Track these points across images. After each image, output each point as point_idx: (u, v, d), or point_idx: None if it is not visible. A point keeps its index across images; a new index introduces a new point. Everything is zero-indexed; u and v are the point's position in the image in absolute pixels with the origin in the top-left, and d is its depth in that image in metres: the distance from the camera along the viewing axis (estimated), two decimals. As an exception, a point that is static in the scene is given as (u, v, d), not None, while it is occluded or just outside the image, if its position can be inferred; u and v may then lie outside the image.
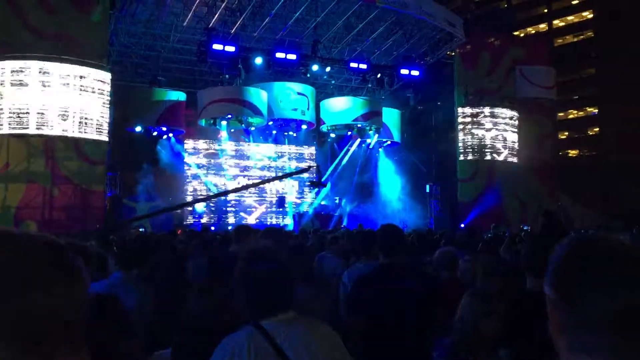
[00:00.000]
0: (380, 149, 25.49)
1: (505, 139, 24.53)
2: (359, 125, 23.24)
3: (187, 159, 23.06)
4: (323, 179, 22.80)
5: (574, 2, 51.82)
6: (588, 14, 50.99)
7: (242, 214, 23.27)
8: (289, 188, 24.47)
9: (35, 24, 16.15)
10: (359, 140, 24.16)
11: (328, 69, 21.64)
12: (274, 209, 23.83)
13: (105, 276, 4.27)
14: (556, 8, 52.88)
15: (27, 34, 16.15)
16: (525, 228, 17.68)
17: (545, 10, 54.00)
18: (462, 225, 20.27)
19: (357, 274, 4.08)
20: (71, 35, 16.50)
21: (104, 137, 17.54)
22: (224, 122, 21.07)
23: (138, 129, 20.99)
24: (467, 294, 2.88)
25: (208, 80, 21.97)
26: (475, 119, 24.02)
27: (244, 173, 23.99)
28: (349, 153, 24.50)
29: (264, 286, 2.20)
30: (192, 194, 22.91)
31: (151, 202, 19.88)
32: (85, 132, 17.09)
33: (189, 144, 23.36)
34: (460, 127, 23.81)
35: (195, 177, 23.34)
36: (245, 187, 20.88)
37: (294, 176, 22.75)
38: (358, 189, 24.33)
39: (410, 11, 19.92)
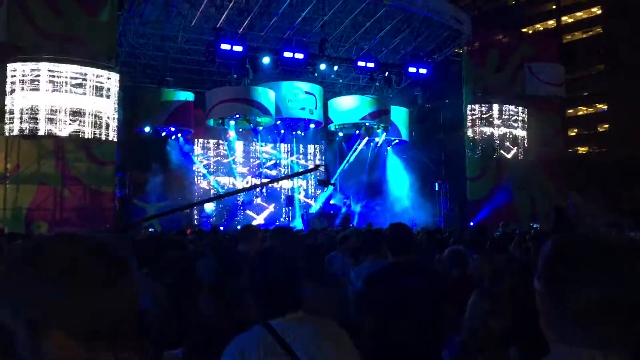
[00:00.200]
0: (388, 148, 25.45)
1: (514, 137, 24.41)
2: (367, 124, 23.20)
3: (196, 159, 23.13)
4: (333, 180, 22.82)
5: (582, -1, 51.52)
6: (597, 10, 50.62)
7: (250, 213, 23.31)
8: (298, 187, 24.49)
9: (43, 25, 16.25)
10: (367, 138, 24.13)
11: (336, 67, 21.64)
12: (282, 209, 23.86)
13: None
14: (565, 4, 52.52)
15: (35, 35, 16.26)
16: (535, 226, 17.60)
17: (554, 7, 53.66)
18: (472, 224, 20.20)
19: (365, 273, 4.06)
20: (79, 37, 16.59)
21: (113, 138, 17.62)
22: (232, 122, 21.10)
23: (147, 129, 21.09)
24: (476, 293, 2.88)
25: (216, 80, 22.02)
26: (483, 117, 23.91)
27: (252, 173, 24.04)
28: (357, 152, 24.47)
29: (273, 286, 2.20)
30: (200, 194, 22.99)
31: (160, 202, 19.95)
32: (94, 133, 17.18)
33: (198, 144, 23.44)
34: (469, 124, 23.71)
35: (204, 177, 23.41)
36: (254, 187, 20.93)
37: (302, 175, 22.75)
38: (367, 187, 24.29)
39: (417, 9, 19.88)
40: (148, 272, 4.28)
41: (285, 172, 23.90)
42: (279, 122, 22.51)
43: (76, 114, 16.88)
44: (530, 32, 43.69)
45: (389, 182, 25.14)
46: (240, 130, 22.23)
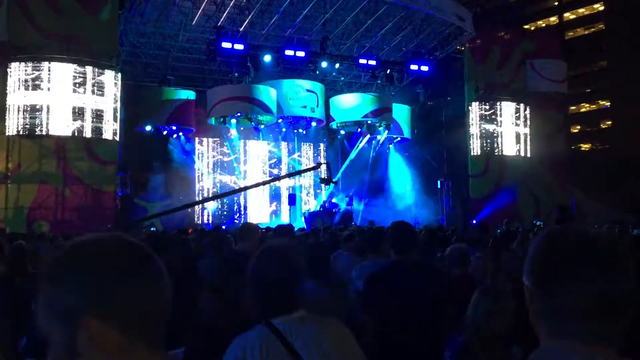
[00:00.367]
0: (390, 145, 25.43)
1: (516, 134, 24.37)
2: (369, 122, 23.18)
3: (197, 157, 23.13)
4: (335, 178, 22.76)
5: (584, -5, 51.38)
6: (599, 6, 50.52)
7: (252, 212, 23.31)
8: (300, 186, 24.48)
9: (44, 25, 16.29)
10: (368, 136, 24.11)
11: (337, 65, 21.60)
12: (285, 207, 23.85)
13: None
14: (567, 1, 52.43)
15: (36, 35, 16.30)
16: (538, 223, 17.55)
17: (556, 3, 53.57)
18: (474, 222, 20.16)
19: (366, 272, 4.06)
20: (80, 36, 16.61)
21: (115, 137, 17.64)
22: (233, 121, 21.09)
23: (148, 128, 21.10)
24: (478, 291, 2.87)
25: (217, 78, 22.01)
26: (486, 114, 23.87)
27: (254, 171, 24.03)
28: (359, 150, 24.45)
29: (275, 285, 2.20)
30: (202, 192, 22.99)
31: (162, 201, 19.95)
32: (95, 133, 17.20)
33: (199, 142, 23.44)
34: (471, 122, 23.68)
35: (206, 175, 23.41)
36: (255, 185, 20.89)
37: (304, 174, 22.73)
38: (369, 185, 24.28)
39: (419, 6, 19.84)
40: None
41: (287, 171, 23.88)
42: (280, 121, 22.51)
43: (77, 113, 16.91)
44: (532, 28, 43.56)
45: (391, 180, 25.14)
46: (242, 128, 22.21)
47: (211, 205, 22.33)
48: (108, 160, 17.41)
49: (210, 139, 23.68)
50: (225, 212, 22.91)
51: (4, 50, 16.20)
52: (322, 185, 20.77)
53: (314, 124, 23.26)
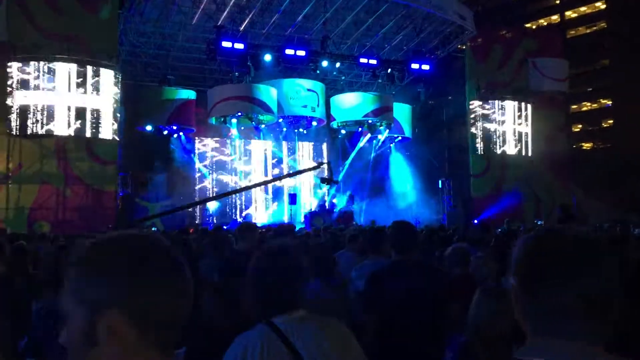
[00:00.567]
0: (391, 145, 25.42)
1: (518, 133, 24.34)
2: (370, 121, 23.19)
3: (198, 157, 23.13)
4: (339, 178, 22.74)
5: (586, -7, 51.31)
6: (601, 5, 50.46)
7: (253, 211, 23.30)
8: (301, 185, 24.47)
9: (43, 24, 16.29)
10: (369, 135, 24.10)
11: (338, 65, 21.58)
12: (286, 207, 23.84)
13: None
14: (568, -1, 52.38)
15: (36, 35, 16.30)
16: (539, 223, 17.53)
17: (558, 2, 53.51)
18: (476, 221, 20.13)
19: (366, 272, 4.04)
20: (80, 35, 16.62)
21: (115, 137, 17.64)
22: (234, 120, 21.10)
23: (149, 128, 21.11)
24: (480, 292, 2.85)
25: (218, 78, 22.01)
26: (487, 113, 23.85)
27: (255, 170, 24.02)
28: (360, 149, 24.43)
29: (276, 284, 2.21)
30: (203, 192, 22.98)
31: (163, 201, 19.96)
32: (96, 132, 17.20)
33: (200, 142, 23.44)
34: (472, 121, 23.66)
35: (206, 175, 23.41)
36: (256, 185, 20.89)
37: (305, 173, 22.69)
38: (370, 185, 24.27)
39: (420, 5, 19.81)
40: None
41: (288, 170, 23.86)
42: (281, 120, 22.51)
43: (77, 113, 16.91)
44: (534, 27, 43.51)
45: (392, 180, 25.13)
46: (242, 128, 22.22)
47: (212, 205, 22.32)
48: (108, 160, 17.41)
49: (211, 139, 23.67)
50: (228, 212, 22.91)
51: (3, 50, 16.20)
52: (324, 184, 20.73)
53: (314, 123, 23.26)
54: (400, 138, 25.12)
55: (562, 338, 1.11)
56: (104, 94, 17.38)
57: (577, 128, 49.19)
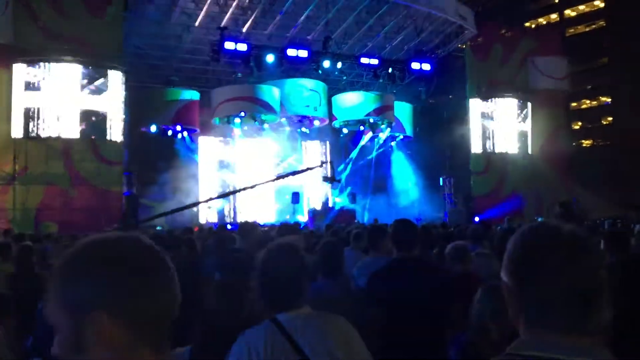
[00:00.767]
0: (393, 143, 25.48)
1: (518, 131, 24.41)
2: (372, 120, 23.26)
3: (202, 157, 23.21)
4: (342, 176, 22.82)
5: (585, -9, 51.13)
6: (599, 3, 50.29)
7: (256, 210, 23.40)
8: (304, 184, 24.53)
9: (48, 27, 16.33)
10: (370, 134, 24.16)
11: (339, 64, 21.66)
12: (289, 206, 23.93)
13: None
14: (567, -3, 52.20)
15: (41, 37, 16.34)
16: (540, 220, 17.60)
17: (557, 0, 53.38)
18: (477, 219, 20.21)
19: (367, 269, 4.06)
20: (85, 38, 16.66)
21: (120, 138, 17.74)
22: (237, 120, 21.18)
23: (153, 128, 21.18)
24: (483, 290, 2.82)
25: (221, 79, 22.10)
26: (487, 112, 23.92)
27: (258, 170, 24.08)
28: (362, 148, 24.51)
29: (281, 281, 2.23)
30: (207, 192, 23.06)
31: (168, 201, 20.04)
32: (101, 133, 17.30)
33: (204, 142, 23.52)
34: (473, 119, 23.72)
35: (210, 175, 23.50)
36: (259, 184, 20.95)
37: (308, 172, 22.76)
38: (372, 183, 24.35)
39: (420, 5, 19.91)
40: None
41: (291, 169, 23.93)
42: (283, 120, 22.57)
43: (82, 114, 17.01)
44: (533, 26, 43.49)
45: (394, 178, 25.20)
46: (246, 128, 22.29)
47: (216, 205, 22.40)
48: (114, 161, 17.50)
49: (215, 139, 23.76)
50: (233, 211, 22.99)
51: (9, 53, 16.27)
52: (326, 183, 20.81)
53: (316, 122, 23.33)
54: (401, 137, 25.18)
55: (554, 332, 1.13)
56: (108, 95, 17.47)
57: (577, 126, 49.02)
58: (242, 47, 19.09)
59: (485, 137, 23.81)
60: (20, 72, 16.54)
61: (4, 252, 5.99)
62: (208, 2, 18.71)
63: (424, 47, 22.96)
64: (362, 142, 24.46)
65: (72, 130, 16.88)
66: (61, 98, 16.80)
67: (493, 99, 23.87)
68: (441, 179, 24.78)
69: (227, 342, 2.20)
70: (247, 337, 2.15)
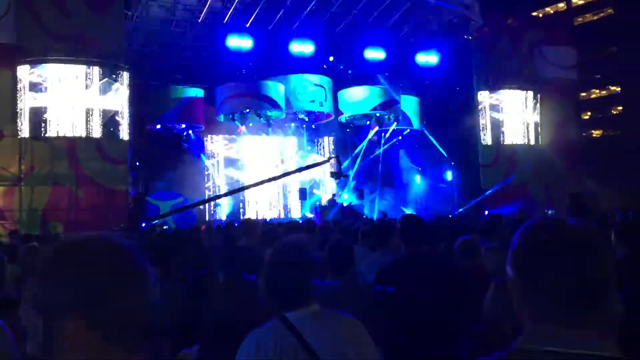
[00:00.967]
0: (400, 137, 25.34)
1: (526, 122, 24.21)
2: (378, 114, 23.13)
3: (207, 154, 23.20)
4: (350, 172, 22.75)
5: (592, -20, 50.76)
6: (607, -9, 49.95)
7: (263, 207, 23.40)
8: (311, 180, 24.50)
9: (51, 26, 16.34)
10: (377, 128, 24.04)
11: (344, 58, 21.54)
12: (296, 202, 23.94)
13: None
14: (575, -14, 51.86)
15: (44, 37, 16.35)
16: (550, 212, 17.47)
17: (564, -11, 53.02)
18: (486, 212, 20.07)
19: (375, 265, 4.05)
20: (88, 37, 16.65)
21: (125, 136, 17.74)
22: (242, 117, 21.13)
23: (158, 126, 21.19)
24: (496, 284, 2.81)
25: (225, 75, 22.00)
26: (495, 103, 23.73)
27: (264, 167, 24.06)
28: (369, 142, 24.40)
29: (289, 279, 2.22)
30: (213, 189, 23.08)
31: (174, 199, 20.05)
32: (106, 132, 17.30)
33: (209, 139, 23.51)
34: (480, 111, 23.55)
35: (216, 172, 23.49)
36: (265, 181, 20.93)
37: (314, 168, 22.72)
38: (379, 178, 24.24)
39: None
40: (163, 270, 4.29)
41: (297, 166, 23.90)
42: (289, 115, 22.50)
43: (87, 113, 17.00)
44: (541, 15, 43.17)
45: (402, 172, 25.08)
46: (251, 124, 22.25)
47: (223, 202, 22.40)
48: (119, 160, 17.50)
49: (220, 136, 23.73)
50: (237, 209, 22.98)
51: (12, 53, 16.30)
52: (333, 179, 20.77)
53: (322, 118, 23.23)
54: (408, 130, 25.04)
55: (559, 326, 1.14)
56: (112, 94, 17.45)
57: (586, 116, 48.75)
58: (246, 43, 19.01)
59: (493, 129, 23.62)
60: (25, 72, 16.55)
61: (11, 254, 5.95)
62: (210, -2, 18.64)
63: (430, 39, 22.79)
64: (369, 137, 24.33)
65: (76, 129, 16.87)
66: (65, 98, 16.80)
67: (501, 90, 23.66)
68: (449, 172, 24.63)
69: (236, 340, 2.20)
70: (256, 336, 2.14)
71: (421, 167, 24.59)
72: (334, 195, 22.42)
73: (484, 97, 23.59)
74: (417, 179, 24.56)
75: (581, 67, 27.74)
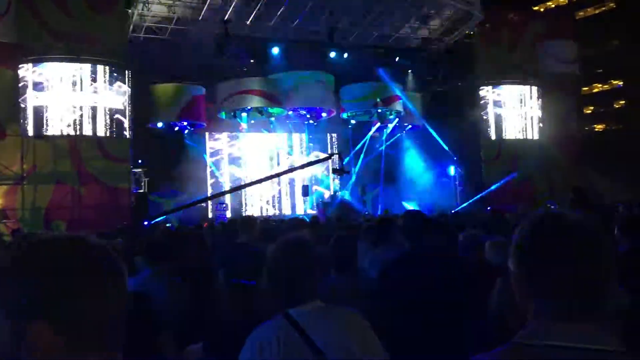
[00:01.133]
0: (402, 133, 25.31)
1: (529, 117, 24.16)
2: (380, 111, 23.09)
3: (209, 152, 23.21)
4: (348, 168, 22.73)
5: (594, -27, 50.59)
6: (609, -16, 49.80)
7: (266, 204, 23.41)
8: (314, 177, 24.51)
9: (53, 25, 16.39)
10: (378, 124, 24.01)
11: (346, 55, 21.51)
12: (298, 198, 23.94)
13: (134, 273, 4.30)
14: (576, -20, 51.65)
15: (45, 36, 16.39)
16: (552, 207, 17.42)
17: (565, -17, 52.86)
18: (489, 208, 20.04)
19: (377, 261, 4.05)
20: (89, 35, 16.69)
21: (127, 135, 17.76)
22: (244, 114, 21.14)
23: (160, 125, 21.19)
24: (503, 280, 2.82)
25: (226, 72, 21.97)
26: (497, 98, 23.69)
27: (266, 164, 24.08)
28: (371, 139, 24.37)
29: (292, 276, 2.21)
30: (215, 187, 23.10)
31: (176, 197, 20.07)
32: (108, 131, 17.32)
33: (211, 137, 23.52)
34: (482, 106, 23.51)
35: (218, 170, 23.51)
36: (267, 178, 20.95)
37: (316, 164, 22.72)
38: (382, 174, 24.22)
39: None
40: (167, 268, 4.29)
41: (299, 162, 23.91)
42: (290, 113, 22.48)
43: (89, 112, 17.03)
44: (542, 9, 43.07)
45: (404, 168, 25.04)
46: (252, 121, 22.24)
47: (228, 199, 22.43)
48: (121, 158, 17.54)
49: (222, 134, 23.73)
50: (239, 206, 23.01)
51: (14, 52, 16.33)
52: (336, 175, 20.77)
53: (324, 114, 23.21)
54: (410, 126, 25.01)
55: (560, 320, 1.15)
56: (115, 92, 17.48)
57: (588, 110, 48.68)
58: (247, 39, 19.02)
59: (496, 123, 23.58)
60: (27, 71, 16.57)
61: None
62: (211, -5, 18.61)
63: (432, 35, 22.75)
64: (371, 133, 24.30)
65: (78, 128, 16.90)
66: (67, 96, 16.82)
67: (503, 84, 23.60)
68: (452, 167, 24.60)
69: (240, 337, 2.19)
70: (260, 332, 2.15)
71: (424, 162, 24.52)
72: (335, 191, 22.44)
73: (486, 92, 23.54)
74: (420, 174, 24.51)
75: (583, 61, 27.65)
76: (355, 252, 4.00)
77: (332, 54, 20.74)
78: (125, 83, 17.73)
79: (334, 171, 20.43)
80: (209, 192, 22.36)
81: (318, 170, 24.50)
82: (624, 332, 1.66)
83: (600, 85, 50.52)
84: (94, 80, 17.10)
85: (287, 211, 23.87)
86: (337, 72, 23.28)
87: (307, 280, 2.23)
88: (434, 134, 24.14)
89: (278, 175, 22.19)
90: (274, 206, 24.17)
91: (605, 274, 1.16)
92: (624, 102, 48.08)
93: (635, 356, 1.14)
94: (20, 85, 16.49)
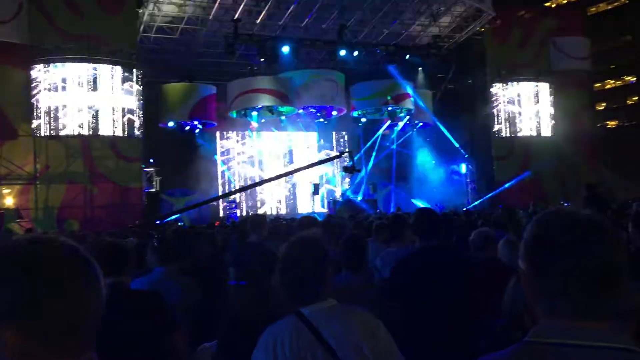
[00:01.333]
0: (413, 131, 25.23)
1: (541, 114, 24.00)
2: (390, 108, 23.02)
3: (220, 151, 23.27)
4: (361, 165, 22.71)
5: (606, -32, 50.11)
6: (621, -20, 49.30)
7: (276, 203, 23.44)
8: (324, 175, 24.51)
9: (65, 26, 16.50)
10: (389, 122, 23.95)
11: (356, 53, 21.47)
12: (309, 197, 23.96)
13: (144, 272, 4.32)
14: (588, -25, 51.20)
15: (57, 37, 16.51)
16: (565, 204, 17.30)
17: (577, -22, 52.40)
18: (500, 205, 19.93)
19: (390, 259, 4.04)
20: (100, 36, 16.80)
21: (139, 134, 17.85)
22: (254, 113, 21.17)
23: (171, 124, 21.27)
24: (517, 278, 2.70)
25: (237, 71, 22.02)
26: (509, 95, 23.55)
27: (277, 162, 24.10)
28: (382, 136, 24.32)
29: (304, 274, 2.21)
30: (226, 186, 23.16)
31: (188, 196, 20.16)
32: (119, 130, 17.42)
33: (222, 136, 23.58)
34: (494, 104, 23.38)
35: (229, 169, 23.57)
36: (278, 177, 20.96)
37: (327, 163, 22.71)
38: (393, 172, 24.17)
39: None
40: (178, 266, 4.30)
41: (310, 161, 23.90)
42: (301, 111, 22.47)
43: (101, 112, 17.13)
44: (554, 5, 42.74)
45: (415, 165, 24.97)
46: (263, 120, 22.27)
47: (236, 198, 22.49)
48: (133, 158, 17.64)
49: (233, 133, 23.78)
50: (251, 205, 23.06)
51: (26, 53, 16.47)
52: (346, 173, 20.73)
53: (334, 112, 23.18)
54: (421, 124, 24.92)
55: (571, 318, 1.15)
56: (126, 92, 17.57)
57: (601, 106, 48.22)
58: (257, 38, 19.05)
59: (507, 121, 23.44)
60: (39, 72, 16.70)
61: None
62: (221, -6, 18.65)
63: (442, 32, 22.66)
64: (381, 131, 24.25)
65: (90, 128, 17.02)
66: (79, 96, 16.94)
67: (514, 82, 23.46)
68: (463, 165, 24.49)
69: (253, 336, 2.20)
70: (273, 331, 2.15)
71: (434, 160, 24.44)
72: (346, 190, 22.42)
73: (497, 90, 23.41)
74: (431, 172, 24.43)
75: (595, 57, 27.39)
76: (367, 250, 3.99)
77: (342, 52, 20.69)
78: (136, 83, 17.81)
79: (345, 169, 20.41)
80: (220, 191, 22.41)
81: (328, 169, 24.49)
82: (638, 331, 1.64)
83: (612, 82, 50.04)
84: (106, 80, 17.20)
85: (301, 209, 23.89)
86: (347, 70, 23.25)
87: (318, 279, 2.22)
88: (445, 131, 24.04)
89: (288, 174, 22.20)
90: (286, 205, 24.21)
91: (618, 271, 1.15)
92: (637, 98, 47.59)
93: None
94: (32, 85, 16.61)
